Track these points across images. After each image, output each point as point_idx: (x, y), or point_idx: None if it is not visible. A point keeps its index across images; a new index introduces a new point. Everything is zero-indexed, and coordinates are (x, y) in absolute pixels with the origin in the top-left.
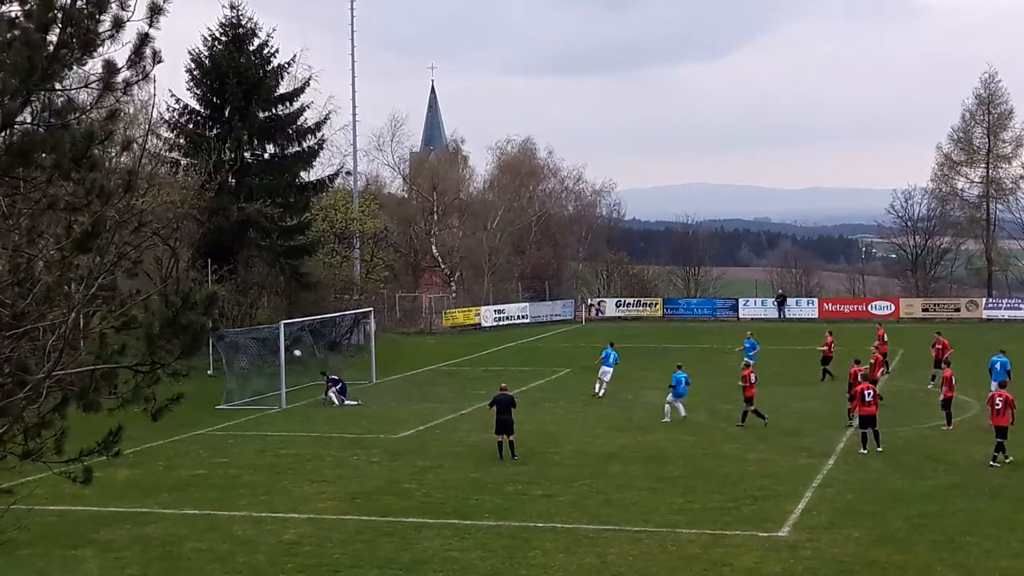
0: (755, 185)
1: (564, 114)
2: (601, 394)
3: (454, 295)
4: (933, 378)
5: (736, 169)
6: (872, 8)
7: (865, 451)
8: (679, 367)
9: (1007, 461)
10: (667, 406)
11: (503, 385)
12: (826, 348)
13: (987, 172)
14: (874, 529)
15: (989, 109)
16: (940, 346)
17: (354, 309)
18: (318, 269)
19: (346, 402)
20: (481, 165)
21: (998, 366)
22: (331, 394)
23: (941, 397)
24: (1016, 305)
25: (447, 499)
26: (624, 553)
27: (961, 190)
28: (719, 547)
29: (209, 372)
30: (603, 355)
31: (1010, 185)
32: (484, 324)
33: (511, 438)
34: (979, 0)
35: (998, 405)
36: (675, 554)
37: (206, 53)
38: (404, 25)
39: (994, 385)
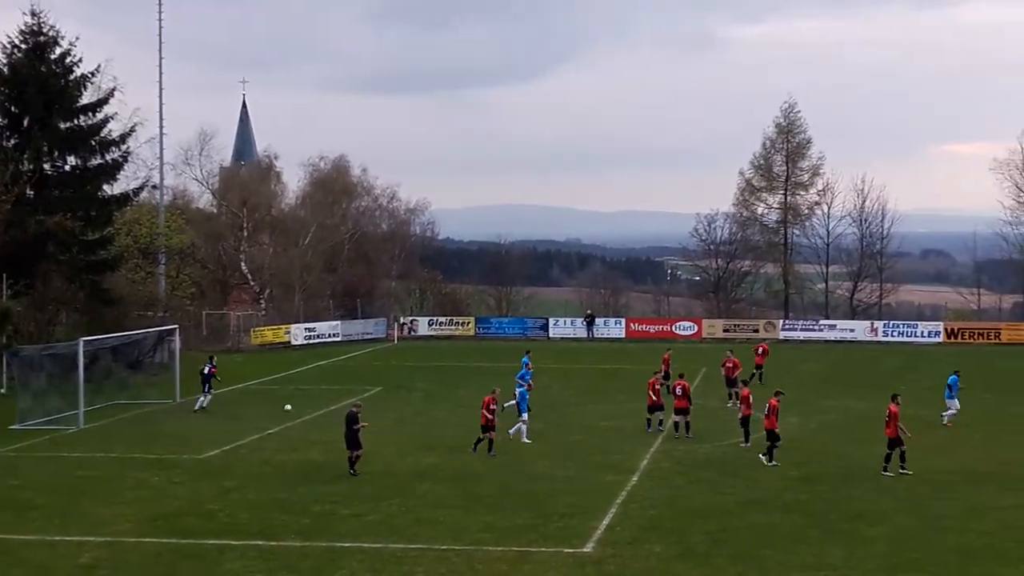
0: (568, 207)
1: (380, 133)
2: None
3: (263, 313)
4: (731, 396)
5: (550, 190)
6: (677, 38)
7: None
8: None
9: (899, 471)
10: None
11: (356, 402)
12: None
13: (785, 198)
14: (676, 544)
15: (788, 138)
16: (731, 364)
17: (158, 326)
18: (121, 285)
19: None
20: (294, 181)
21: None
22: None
23: (739, 415)
24: (810, 326)
25: (252, 520)
26: (432, 572)
27: (761, 215)
28: (526, 564)
29: (1, 390)
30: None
31: (806, 211)
32: (294, 342)
33: (356, 453)
34: (780, 34)
35: (887, 418)
36: (482, 572)
37: (4, 61)
38: (217, 38)
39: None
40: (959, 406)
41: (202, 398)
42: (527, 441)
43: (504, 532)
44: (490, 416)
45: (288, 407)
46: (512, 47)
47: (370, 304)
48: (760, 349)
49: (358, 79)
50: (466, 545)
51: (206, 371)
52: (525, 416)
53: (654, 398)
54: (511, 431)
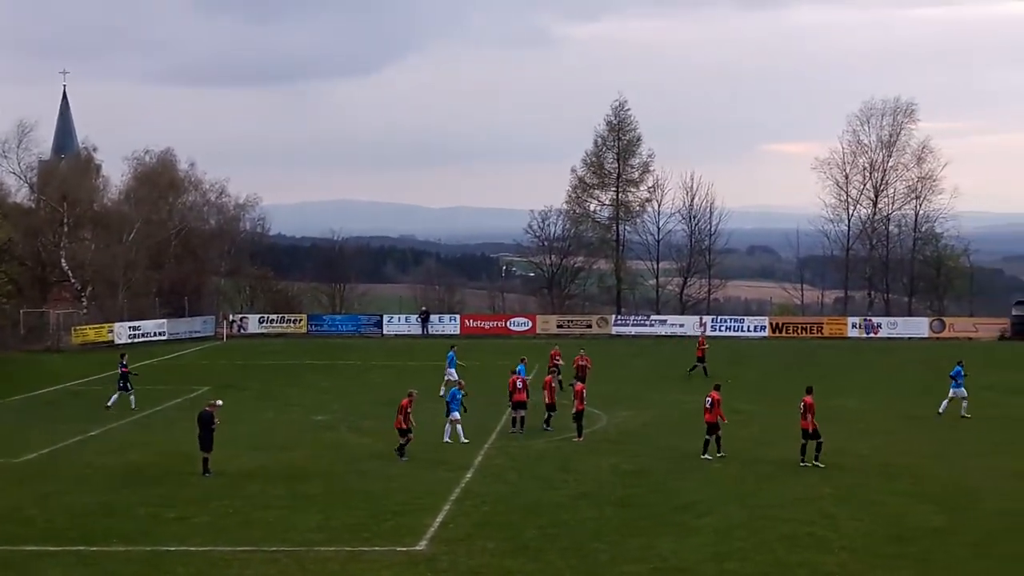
0: (403, 202)
1: (209, 126)
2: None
3: (85, 311)
4: (560, 385)
5: (385, 186)
6: (512, 35)
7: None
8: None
9: (813, 463)
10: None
11: (210, 401)
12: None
13: (617, 195)
14: (509, 539)
15: (619, 136)
16: (584, 363)
17: None
18: None
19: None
20: (117, 176)
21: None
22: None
23: (573, 410)
24: (641, 322)
25: (72, 525)
26: (260, 574)
27: (594, 212)
28: (358, 563)
29: None
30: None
31: (637, 208)
32: (118, 341)
33: (206, 455)
34: (612, 33)
35: (801, 410)
36: (313, 572)
37: None
38: (37, 27)
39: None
40: (966, 393)
41: (130, 397)
42: (465, 441)
43: (336, 531)
44: (403, 421)
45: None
46: (346, 41)
47: (198, 302)
48: (702, 342)
49: (187, 71)
50: (296, 546)
51: (120, 370)
52: (456, 415)
53: (548, 396)
54: (447, 437)
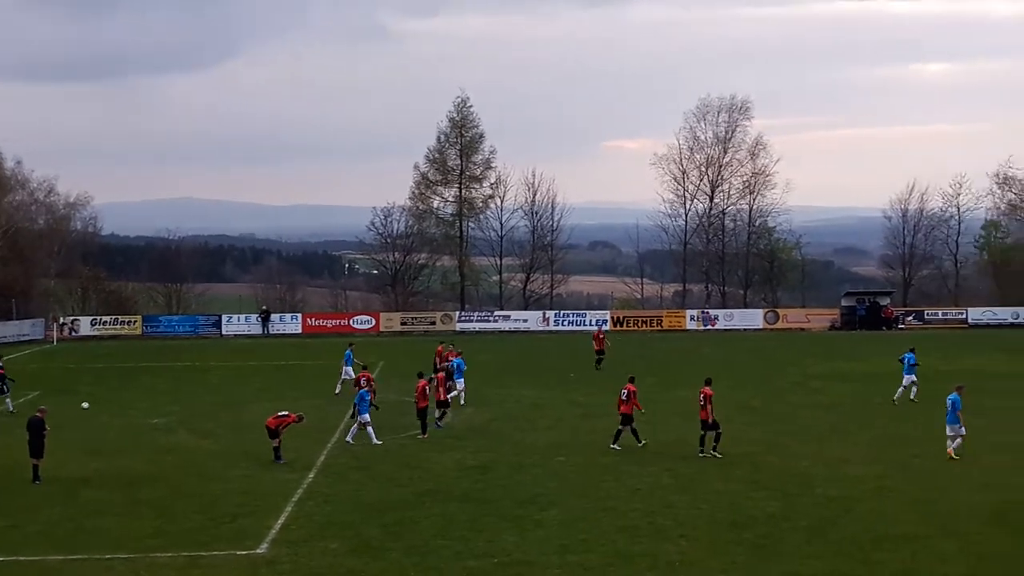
0: (244, 200)
1: (37, 123)
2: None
3: None
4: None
5: (224, 184)
6: (352, 30)
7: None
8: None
9: (711, 454)
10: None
11: (41, 408)
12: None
13: (460, 192)
14: (352, 539)
15: (462, 132)
16: (449, 355)
17: None
18: None
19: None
20: None
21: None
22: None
23: (417, 406)
24: (485, 317)
25: None
26: None
27: (437, 208)
28: (196, 568)
29: None
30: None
31: (480, 204)
32: None
33: (36, 462)
34: (453, 28)
35: (701, 401)
36: None
37: None
38: None
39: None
40: (916, 379)
41: (7, 400)
42: (378, 442)
43: (174, 537)
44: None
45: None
46: (182, 35)
47: (26, 304)
48: (599, 335)
49: (8, 66)
50: (132, 553)
51: None
52: (366, 417)
53: (442, 395)
54: (349, 438)
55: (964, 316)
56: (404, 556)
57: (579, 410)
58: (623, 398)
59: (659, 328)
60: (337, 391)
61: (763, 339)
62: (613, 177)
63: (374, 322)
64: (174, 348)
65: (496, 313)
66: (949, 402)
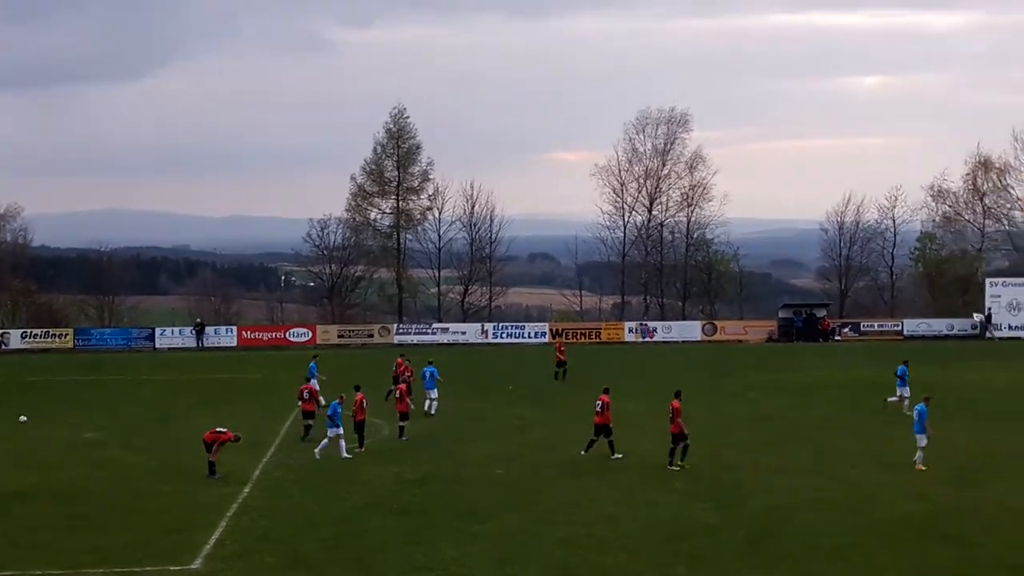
0: (176, 212)
1: None
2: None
3: None
4: (388, 394)
5: (157, 195)
6: (287, 41)
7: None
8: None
9: (680, 465)
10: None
11: None
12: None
13: (397, 203)
14: (288, 554)
15: (399, 143)
16: (403, 369)
17: None
18: None
19: None
20: None
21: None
22: None
23: (354, 420)
24: (424, 330)
25: None
26: None
27: (374, 220)
28: None
29: None
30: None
31: (418, 216)
32: None
33: None
34: (389, 39)
35: (671, 414)
36: None
37: None
38: None
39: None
40: (909, 392)
41: None
42: (347, 456)
43: (108, 552)
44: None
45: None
46: (112, 44)
47: None
48: (560, 347)
49: None
50: (66, 569)
51: None
52: (340, 430)
53: (404, 407)
54: (317, 451)
55: (900, 328)
56: (341, 570)
57: (518, 422)
58: (597, 409)
59: (598, 340)
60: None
61: (701, 351)
62: (552, 189)
63: (311, 335)
64: (107, 361)
65: (434, 326)
66: (916, 413)
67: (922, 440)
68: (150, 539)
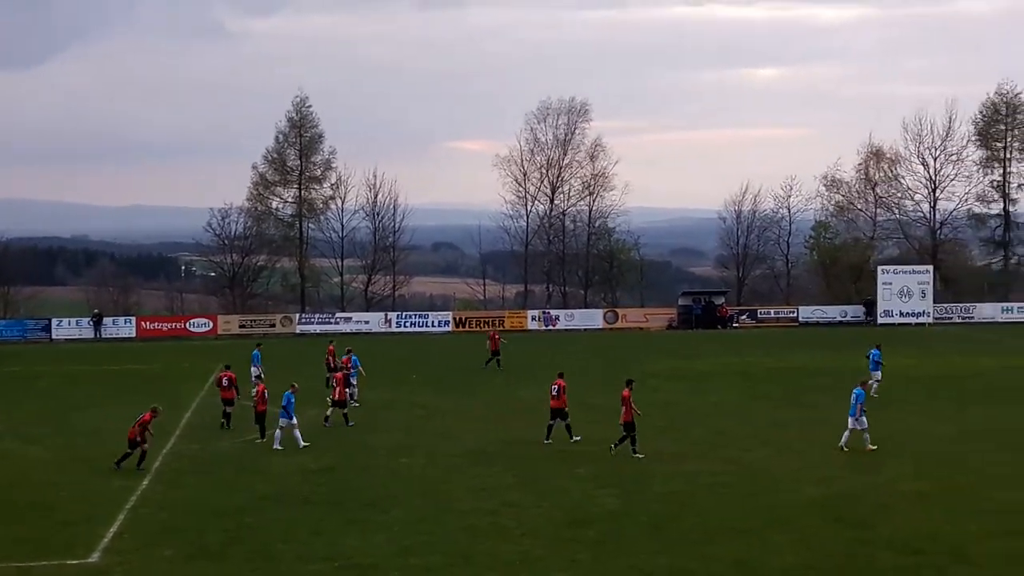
0: (75, 201)
1: None
2: None
3: None
4: (327, 384)
5: (53, 184)
6: (187, 28)
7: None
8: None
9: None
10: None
11: None
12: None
13: (300, 192)
14: (189, 545)
15: (301, 132)
16: (331, 357)
17: None
18: None
19: None
20: None
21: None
22: None
23: (255, 410)
24: (327, 319)
25: None
26: None
27: (276, 209)
28: None
29: None
30: None
31: (321, 205)
32: None
33: None
34: (292, 27)
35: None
36: None
37: None
38: None
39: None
40: (880, 376)
41: None
42: (305, 444)
43: (1, 546)
44: (138, 433)
45: None
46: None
47: None
48: (494, 336)
49: None
50: None
51: None
52: (294, 420)
53: (338, 393)
54: (277, 444)
55: (795, 315)
56: (244, 562)
57: (422, 411)
58: (554, 393)
59: (501, 328)
60: (252, 393)
61: (603, 338)
62: (456, 178)
63: (212, 325)
64: (1, 353)
65: (337, 315)
66: (853, 396)
67: (856, 423)
68: (46, 533)
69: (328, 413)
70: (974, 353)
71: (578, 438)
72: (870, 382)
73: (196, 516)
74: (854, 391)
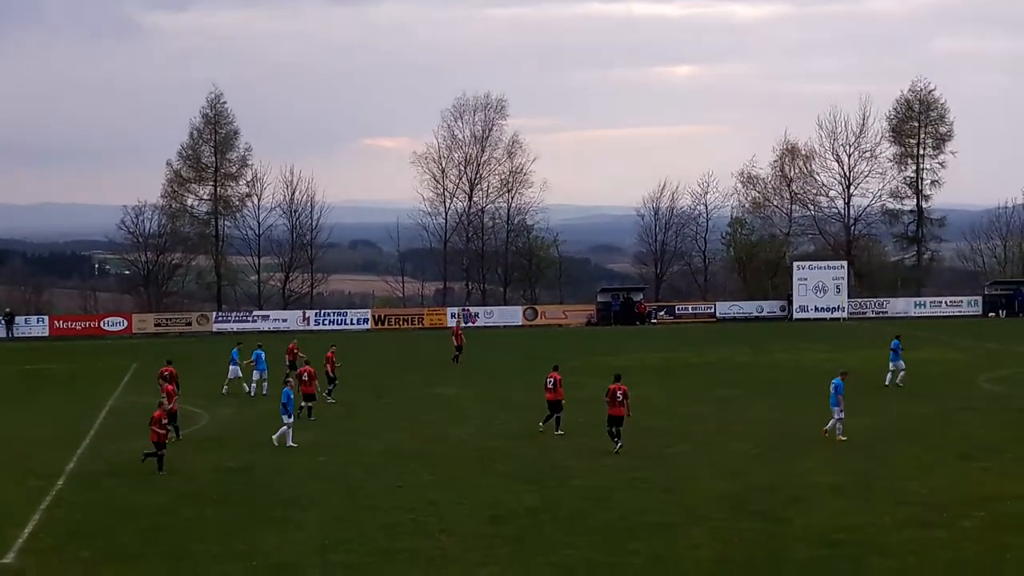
0: None
1: None
2: None
3: None
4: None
5: None
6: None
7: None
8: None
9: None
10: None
11: None
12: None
13: (215, 190)
14: (105, 546)
15: (216, 129)
16: (295, 351)
17: None
18: None
19: None
20: None
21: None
22: None
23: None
24: (244, 317)
25: None
26: None
27: (191, 207)
28: None
29: None
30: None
31: (237, 203)
32: None
33: None
34: (204, 23)
35: (618, 397)
36: None
37: None
38: None
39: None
40: (904, 365)
41: None
42: (293, 444)
43: None
44: (161, 432)
45: None
46: None
47: None
48: (458, 331)
49: None
50: None
51: None
52: (291, 419)
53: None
54: (275, 436)
55: (713, 310)
56: (160, 562)
57: (341, 409)
58: (548, 386)
59: (421, 326)
60: (224, 391)
61: (522, 335)
62: (373, 176)
63: (126, 324)
64: None
65: (255, 313)
66: (832, 386)
67: (838, 413)
68: None
69: (310, 405)
70: (887, 347)
71: (561, 432)
72: (899, 372)
73: (111, 517)
74: (833, 382)
